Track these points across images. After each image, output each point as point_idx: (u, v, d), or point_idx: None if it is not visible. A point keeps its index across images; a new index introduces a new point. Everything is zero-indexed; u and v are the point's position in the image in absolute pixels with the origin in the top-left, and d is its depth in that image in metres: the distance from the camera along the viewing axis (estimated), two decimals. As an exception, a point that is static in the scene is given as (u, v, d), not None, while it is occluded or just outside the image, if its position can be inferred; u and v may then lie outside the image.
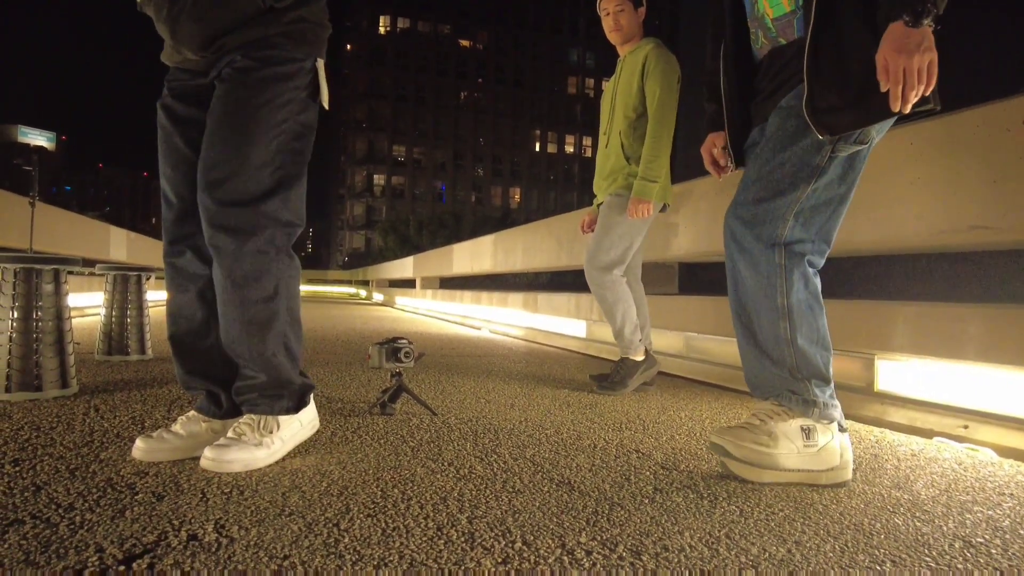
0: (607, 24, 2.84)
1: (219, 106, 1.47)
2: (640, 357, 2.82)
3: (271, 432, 1.48)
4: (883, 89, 1.31)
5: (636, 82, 2.77)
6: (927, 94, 1.31)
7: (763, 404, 1.52)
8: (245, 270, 1.45)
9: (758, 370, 1.54)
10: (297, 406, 1.55)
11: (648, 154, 2.71)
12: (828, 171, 1.45)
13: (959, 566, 1.06)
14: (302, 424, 1.57)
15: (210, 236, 1.45)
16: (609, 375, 2.83)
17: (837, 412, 1.50)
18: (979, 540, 1.18)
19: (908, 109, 1.31)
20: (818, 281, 1.53)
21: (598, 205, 3.01)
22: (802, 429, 1.45)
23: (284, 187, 1.49)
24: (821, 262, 1.53)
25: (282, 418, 1.51)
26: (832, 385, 1.51)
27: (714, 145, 1.78)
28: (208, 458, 1.40)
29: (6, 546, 0.97)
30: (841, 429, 1.52)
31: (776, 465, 1.41)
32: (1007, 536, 1.21)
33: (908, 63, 1.27)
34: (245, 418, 1.51)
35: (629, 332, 2.81)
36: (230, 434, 1.46)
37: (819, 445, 1.45)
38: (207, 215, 1.44)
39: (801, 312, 1.47)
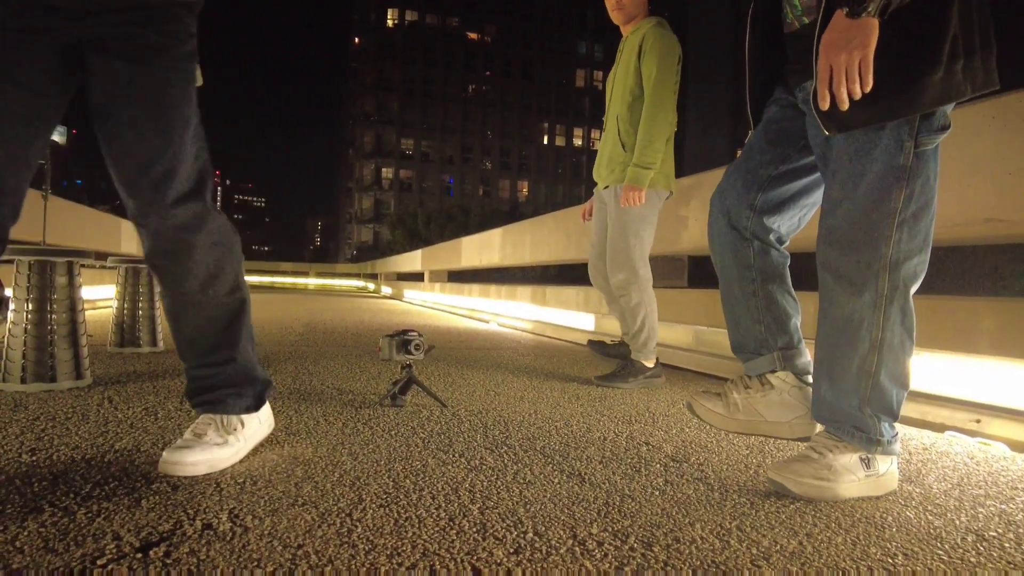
0: (609, 2, 2.76)
1: (137, 90, 1.27)
2: (651, 364, 2.79)
3: (235, 431, 1.41)
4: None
5: (634, 63, 2.67)
6: (865, 91, 1.21)
7: (820, 436, 1.44)
8: (208, 266, 1.38)
9: (827, 396, 1.43)
10: (257, 403, 1.48)
11: (643, 138, 2.61)
12: (919, 170, 1.30)
13: (972, 559, 1.06)
14: (260, 421, 1.50)
15: (167, 239, 1.34)
16: (614, 371, 2.82)
17: (898, 445, 1.41)
18: (992, 534, 1.18)
19: (844, 106, 1.23)
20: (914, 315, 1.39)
21: (597, 191, 2.98)
22: (861, 460, 1.37)
23: (207, 175, 1.38)
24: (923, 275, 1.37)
25: (244, 416, 1.45)
26: (897, 419, 1.41)
27: None
28: (168, 461, 1.30)
29: (26, 533, 0.98)
30: None
31: (837, 497, 1.34)
32: (1020, 530, 1.20)
33: (835, 59, 1.20)
34: (203, 418, 1.43)
35: (646, 335, 2.76)
36: (188, 435, 1.38)
37: (880, 473, 1.38)
38: (160, 215, 1.31)
39: (892, 348, 1.34)
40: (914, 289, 1.35)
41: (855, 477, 1.35)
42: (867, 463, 1.37)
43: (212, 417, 1.42)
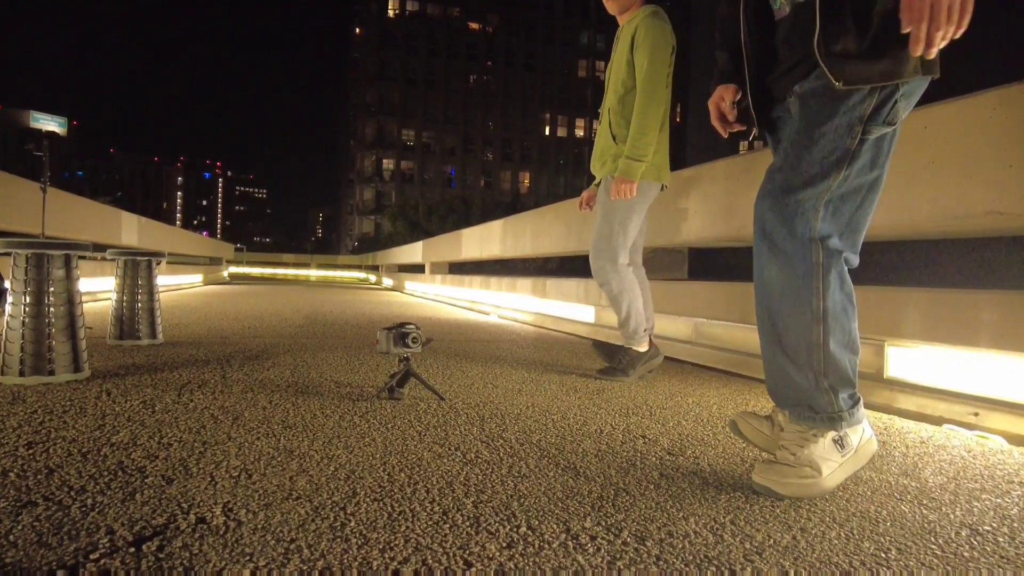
0: None
1: None
2: (644, 348, 2.77)
3: None
4: (904, 29, 1.18)
5: (627, 54, 2.64)
6: (956, 37, 1.15)
7: (790, 432, 1.42)
8: None
9: (780, 378, 1.43)
10: None
11: (635, 131, 2.58)
12: (860, 155, 1.34)
13: (965, 554, 1.06)
14: None
15: None
16: (612, 365, 2.80)
17: (861, 411, 1.41)
18: (986, 528, 1.18)
19: (933, 53, 1.18)
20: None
21: (596, 185, 2.96)
22: (834, 442, 1.37)
23: None
24: (856, 259, 1.40)
25: None
26: (856, 386, 1.41)
27: (723, 99, 1.60)
28: None
29: (20, 527, 0.99)
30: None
31: (825, 490, 1.34)
32: (1015, 524, 1.20)
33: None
34: None
35: (634, 323, 2.75)
36: None
37: (855, 447, 1.38)
38: None
39: (836, 315, 1.35)
40: (848, 265, 1.39)
41: (835, 463, 1.36)
42: (840, 443, 1.37)
43: None
